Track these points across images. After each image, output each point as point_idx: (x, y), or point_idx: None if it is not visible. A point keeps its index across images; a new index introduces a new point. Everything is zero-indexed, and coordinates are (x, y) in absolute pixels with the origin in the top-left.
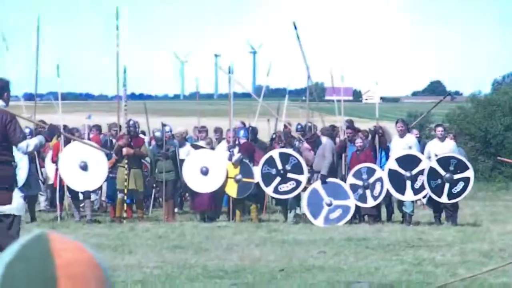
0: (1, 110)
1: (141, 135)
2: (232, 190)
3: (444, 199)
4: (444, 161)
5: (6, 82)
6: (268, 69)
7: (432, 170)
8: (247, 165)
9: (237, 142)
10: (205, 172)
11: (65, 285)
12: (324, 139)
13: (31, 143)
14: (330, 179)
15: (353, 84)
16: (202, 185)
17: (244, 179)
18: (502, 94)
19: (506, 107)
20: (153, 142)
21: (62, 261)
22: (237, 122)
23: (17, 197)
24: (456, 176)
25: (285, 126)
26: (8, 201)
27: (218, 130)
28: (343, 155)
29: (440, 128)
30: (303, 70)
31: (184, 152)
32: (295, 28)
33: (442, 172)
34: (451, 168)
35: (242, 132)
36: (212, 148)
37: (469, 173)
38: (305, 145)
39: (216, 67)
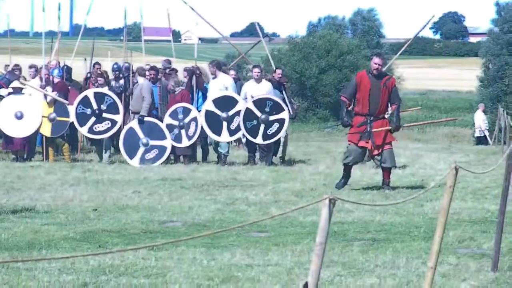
0: None
1: None
2: (46, 129)
3: (259, 140)
4: (260, 103)
5: None
6: (89, 8)
7: (248, 111)
8: (61, 103)
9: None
10: (19, 116)
11: None
12: (141, 80)
13: None
14: (147, 119)
15: (172, 24)
16: (17, 129)
17: (59, 118)
18: (318, 38)
19: (322, 50)
20: None
21: None
22: (53, 61)
23: None
24: (271, 118)
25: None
26: None
27: (33, 66)
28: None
29: (256, 70)
30: (120, 10)
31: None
32: None
33: (258, 113)
34: (267, 109)
35: (56, 71)
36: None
37: (284, 115)
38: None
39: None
